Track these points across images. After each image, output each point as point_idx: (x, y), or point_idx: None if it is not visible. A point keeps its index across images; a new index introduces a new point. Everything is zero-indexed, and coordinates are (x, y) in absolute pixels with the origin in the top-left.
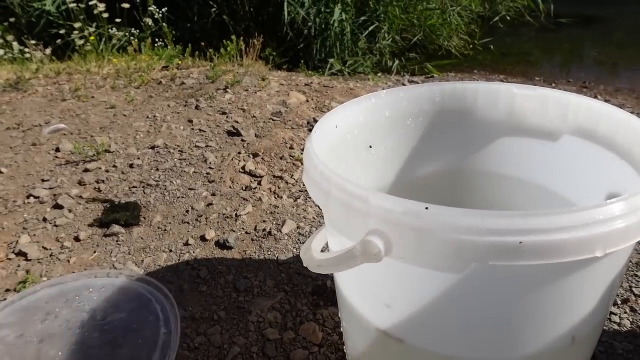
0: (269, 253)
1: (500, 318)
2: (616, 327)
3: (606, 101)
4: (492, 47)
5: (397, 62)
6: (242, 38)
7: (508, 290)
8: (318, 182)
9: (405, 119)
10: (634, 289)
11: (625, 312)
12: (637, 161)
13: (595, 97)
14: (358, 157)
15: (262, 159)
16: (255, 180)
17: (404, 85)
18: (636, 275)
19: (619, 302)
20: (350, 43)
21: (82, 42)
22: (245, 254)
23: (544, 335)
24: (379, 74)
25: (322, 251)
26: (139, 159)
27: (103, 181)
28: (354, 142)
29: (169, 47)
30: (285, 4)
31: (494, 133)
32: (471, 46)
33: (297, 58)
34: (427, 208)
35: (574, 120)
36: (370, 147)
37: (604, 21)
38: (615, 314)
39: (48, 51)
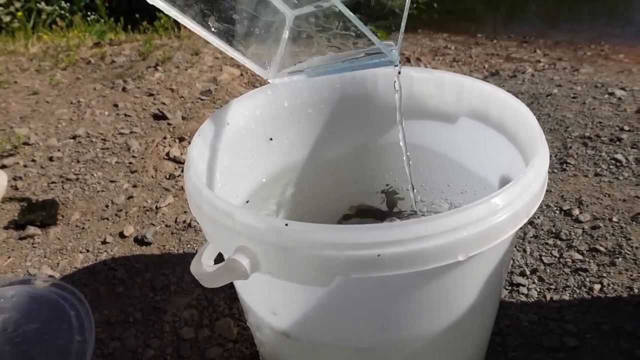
0: (188, 246)
1: (372, 322)
2: (523, 299)
3: (545, 55)
4: (435, 5)
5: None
6: None
7: (376, 298)
8: (191, 194)
9: (305, 108)
10: (543, 258)
11: (533, 282)
12: (521, 145)
13: (535, 52)
14: (258, 151)
15: (188, 142)
16: (179, 167)
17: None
18: (546, 244)
19: (528, 273)
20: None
21: (8, 18)
22: (164, 248)
23: (421, 333)
24: None
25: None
26: (59, 150)
27: (20, 177)
28: (251, 137)
29: (103, 19)
30: None
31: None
32: (414, 5)
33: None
34: (286, 224)
35: (468, 102)
36: (271, 139)
37: None
38: (523, 285)
39: None
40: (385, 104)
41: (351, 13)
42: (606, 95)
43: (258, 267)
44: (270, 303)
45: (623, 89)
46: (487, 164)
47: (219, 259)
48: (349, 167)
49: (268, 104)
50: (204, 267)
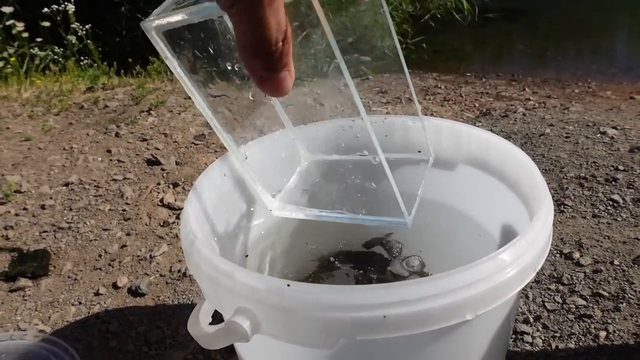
0: (184, 297)
1: None
2: (528, 348)
3: (534, 93)
4: (424, 45)
5: (332, 65)
6: None
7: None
8: (188, 252)
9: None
10: (546, 304)
11: (538, 330)
12: (523, 194)
13: (524, 90)
14: (255, 201)
15: (183, 188)
16: (173, 214)
17: (339, 89)
18: (549, 289)
19: (531, 320)
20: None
21: (1, 64)
22: (159, 299)
23: None
24: (315, 79)
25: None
26: (51, 198)
27: (12, 227)
28: (248, 188)
29: (96, 64)
30: None
31: (394, 164)
32: (404, 45)
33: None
34: (288, 285)
35: (467, 149)
36: None
37: (529, 14)
38: (527, 333)
39: None
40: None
41: (389, 173)
42: (598, 135)
43: (259, 329)
44: None
45: (615, 127)
46: (488, 212)
47: (217, 314)
48: None
49: (266, 155)
50: (202, 327)
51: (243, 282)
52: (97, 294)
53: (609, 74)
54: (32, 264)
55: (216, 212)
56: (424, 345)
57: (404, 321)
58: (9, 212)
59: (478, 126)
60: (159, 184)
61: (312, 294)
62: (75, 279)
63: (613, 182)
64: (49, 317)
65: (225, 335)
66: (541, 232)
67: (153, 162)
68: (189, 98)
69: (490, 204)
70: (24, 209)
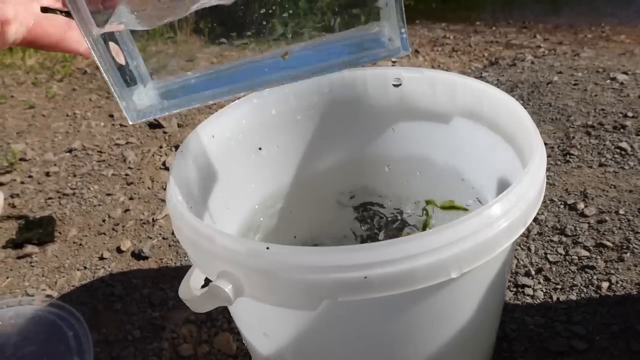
0: (186, 259)
1: (366, 346)
2: (529, 300)
3: (545, 40)
4: None
5: (339, 19)
6: None
7: (367, 321)
8: (172, 216)
9: (294, 115)
10: (549, 256)
11: (539, 282)
12: (517, 145)
13: (534, 37)
14: (247, 162)
15: None
16: None
17: None
18: (551, 241)
19: (533, 272)
20: (292, 4)
21: None
22: (162, 262)
23: (418, 356)
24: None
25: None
26: (55, 165)
27: (17, 195)
28: (239, 148)
29: None
30: None
31: (389, 119)
32: None
33: (235, 25)
34: (267, 248)
35: (462, 101)
36: (260, 148)
37: None
38: (528, 286)
39: None
40: (376, 105)
41: None
42: (608, 81)
43: (242, 292)
44: (262, 324)
45: (625, 72)
46: (483, 166)
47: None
48: (342, 180)
49: (254, 113)
50: (191, 292)
51: (224, 245)
52: (101, 258)
53: (623, 17)
54: (38, 231)
55: (205, 174)
56: (410, 305)
57: (386, 281)
58: (15, 180)
59: (485, 76)
60: (161, 147)
61: (291, 256)
62: (80, 244)
63: (621, 130)
64: (56, 282)
65: (209, 299)
66: (531, 185)
67: (155, 126)
68: (191, 60)
69: (486, 158)
70: (29, 176)
